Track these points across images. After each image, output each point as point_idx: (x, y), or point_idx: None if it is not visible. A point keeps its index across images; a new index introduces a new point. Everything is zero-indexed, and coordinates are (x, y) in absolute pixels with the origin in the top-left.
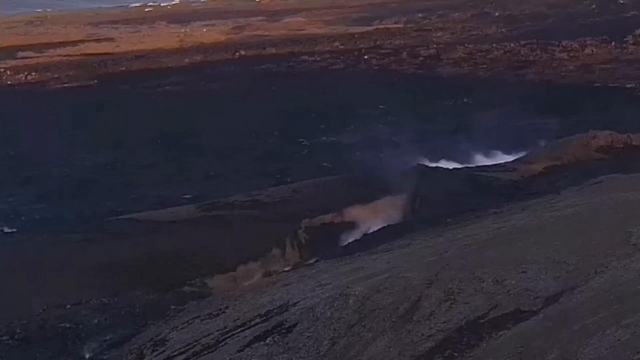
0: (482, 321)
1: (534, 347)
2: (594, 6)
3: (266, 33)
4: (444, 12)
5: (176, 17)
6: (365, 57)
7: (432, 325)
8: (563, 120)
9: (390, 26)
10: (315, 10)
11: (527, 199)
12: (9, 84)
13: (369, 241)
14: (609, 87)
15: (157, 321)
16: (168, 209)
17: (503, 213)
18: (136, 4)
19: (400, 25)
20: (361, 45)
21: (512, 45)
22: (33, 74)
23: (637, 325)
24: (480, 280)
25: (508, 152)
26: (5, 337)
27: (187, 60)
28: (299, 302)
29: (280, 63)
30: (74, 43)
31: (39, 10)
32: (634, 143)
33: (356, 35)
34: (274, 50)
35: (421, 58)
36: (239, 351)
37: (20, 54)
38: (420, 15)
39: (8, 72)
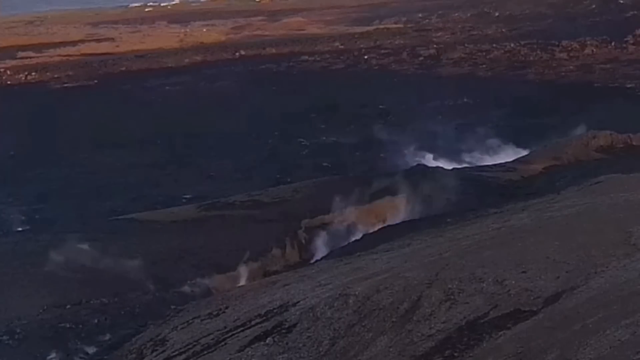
0: (482, 321)
1: (534, 347)
2: (594, 6)
3: (266, 33)
4: (444, 12)
5: (176, 17)
6: (365, 57)
7: (432, 325)
8: (563, 120)
9: (390, 26)
10: (315, 10)
11: (527, 199)
12: (9, 84)
13: (369, 241)
14: (609, 87)
15: (157, 321)
16: (168, 209)
17: (503, 213)
18: (136, 4)
19: (400, 25)
20: (361, 45)
21: (512, 45)
22: (33, 74)
23: (637, 325)
24: (480, 280)
25: (508, 152)
26: (5, 337)
27: (187, 60)
28: (299, 302)
29: (280, 63)
30: (74, 43)
31: (39, 10)
32: (634, 143)
33: (356, 35)
34: (274, 50)
35: (421, 58)
36: (239, 351)
37: (20, 54)
38: (420, 15)
39: (8, 72)
